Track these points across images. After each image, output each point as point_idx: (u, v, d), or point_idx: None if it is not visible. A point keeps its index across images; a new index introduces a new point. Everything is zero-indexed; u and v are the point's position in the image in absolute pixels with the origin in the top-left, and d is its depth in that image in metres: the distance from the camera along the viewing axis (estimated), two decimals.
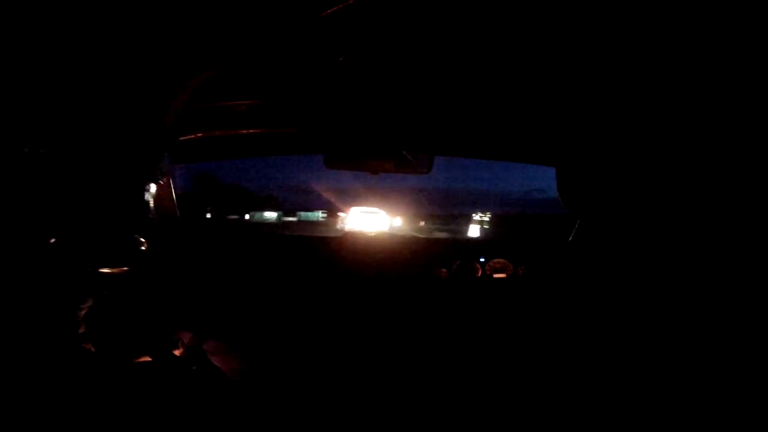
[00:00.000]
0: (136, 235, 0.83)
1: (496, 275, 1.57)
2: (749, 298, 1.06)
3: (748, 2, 0.83)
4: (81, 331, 0.76)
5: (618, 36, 0.97)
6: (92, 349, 0.77)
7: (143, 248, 0.83)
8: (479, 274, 1.57)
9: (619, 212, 1.47)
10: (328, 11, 0.84)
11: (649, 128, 1.28)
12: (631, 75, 1.12)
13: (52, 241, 0.74)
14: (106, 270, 0.81)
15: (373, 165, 1.56)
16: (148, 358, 0.83)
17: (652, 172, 1.32)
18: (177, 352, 0.88)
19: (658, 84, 1.12)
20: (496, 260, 1.58)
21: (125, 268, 0.82)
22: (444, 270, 1.56)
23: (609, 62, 1.08)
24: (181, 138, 1.34)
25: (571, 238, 1.63)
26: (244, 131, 1.40)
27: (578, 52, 1.05)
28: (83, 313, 0.77)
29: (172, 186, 1.41)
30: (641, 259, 1.37)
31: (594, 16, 0.91)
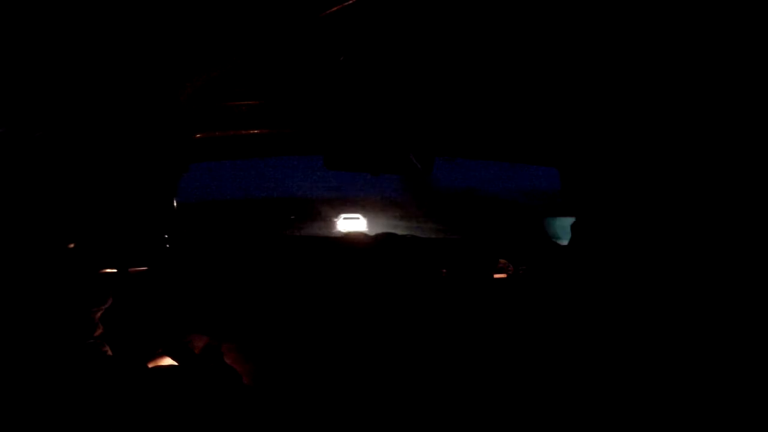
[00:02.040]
0: (165, 235, 0.83)
1: (496, 275, 1.57)
2: (750, 301, 1.06)
3: (748, 2, 0.83)
4: (98, 332, 0.76)
5: (619, 35, 0.97)
6: (109, 352, 0.77)
7: (166, 247, 0.83)
8: (479, 275, 1.56)
9: (621, 212, 1.46)
10: (329, 11, 0.83)
11: (653, 129, 1.27)
12: (632, 75, 1.11)
13: (72, 246, 0.74)
14: (127, 270, 0.81)
15: (374, 165, 1.55)
16: (164, 360, 0.84)
17: (655, 173, 1.32)
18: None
19: (661, 84, 1.11)
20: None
21: (144, 268, 0.83)
22: (444, 270, 1.56)
23: (610, 62, 1.07)
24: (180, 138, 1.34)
25: (571, 238, 1.63)
26: (244, 131, 1.40)
27: (580, 51, 1.04)
28: (100, 314, 0.77)
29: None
30: (642, 259, 1.37)
31: (595, 14, 0.90)
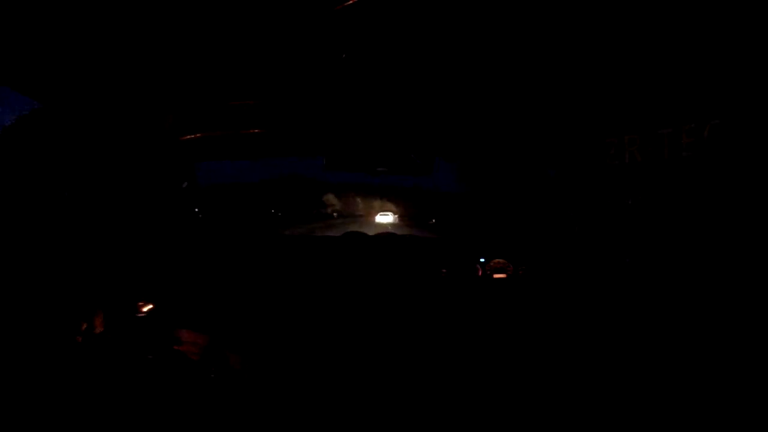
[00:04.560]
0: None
1: (496, 275, 1.57)
2: (749, 300, 1.06)
3: (747, 2, 0.84)
4: (85, 331, 0.76)
5: (618, 36, 0.98)
6: (97, 350, 0.76)
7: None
8: (479, 274, 1.56)
9: (619, 213, 1.47)
10: (331, 10, 0.84)
11: (650, 129, 1.28)
12: (631, 76, 1.12)
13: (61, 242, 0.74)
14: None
15: (374, 166, 1.56)
16: (151, 357, 0.83)
17: (653, 174, 1.33)
18: (178, 349, 0.88)
19: (658, 84, 1.12)
20: (496, 260, 1.58)
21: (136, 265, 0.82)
22: (444, 270, 1.56)
23: (610, 63, 1.08)
24: (181, 138, 1.34)
25: (571, 239, 1.63)
26: (244, 131, 1.40)
27: (579, 53, 1.05)
28: (87, 314, 0.76)
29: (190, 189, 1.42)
30: (641, 259, 1.37)
31: (595, 15, 0.91)
